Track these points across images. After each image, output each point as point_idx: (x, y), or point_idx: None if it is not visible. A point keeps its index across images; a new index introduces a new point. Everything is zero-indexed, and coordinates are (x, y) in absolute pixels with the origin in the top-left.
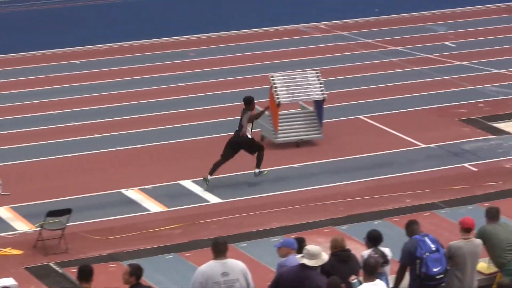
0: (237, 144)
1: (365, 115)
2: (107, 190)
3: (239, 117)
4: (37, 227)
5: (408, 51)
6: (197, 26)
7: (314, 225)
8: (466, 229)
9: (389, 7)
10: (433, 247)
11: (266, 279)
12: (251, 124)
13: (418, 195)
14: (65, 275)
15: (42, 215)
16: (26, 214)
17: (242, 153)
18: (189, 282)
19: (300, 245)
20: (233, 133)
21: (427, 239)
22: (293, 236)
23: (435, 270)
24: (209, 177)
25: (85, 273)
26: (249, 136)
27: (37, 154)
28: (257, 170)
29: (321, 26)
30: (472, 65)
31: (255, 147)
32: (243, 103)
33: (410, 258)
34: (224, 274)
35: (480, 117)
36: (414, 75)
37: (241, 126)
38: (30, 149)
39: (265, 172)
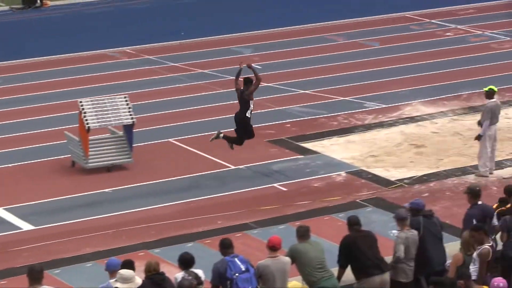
0: (236, 120)
1: (174, 138)
2: None
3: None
4: None
5: (215, 73)
6: (3, 53)
7: (127, 249)
8: (271, 247)
9: (194, 30)
10: (242, 267)
11: None
12: (252, 103)
13: (229, 216)
14: None
15: None
16: None
17: (64, 173)
18: None
19: (129, 267)
20: None
21: (236, 260)
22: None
23: None
24: (221, 135)
25: None
26: (248, 115)
27: None
28: (221, 135)
29: (128, 50)
30: (278, 86)
31: (244, 131)
32: (243, 83)
33: (220, 279)
34: None
35: (287, 138)
36: (221, 97)
37: (243, 107)
38: None
39: (213, 138)
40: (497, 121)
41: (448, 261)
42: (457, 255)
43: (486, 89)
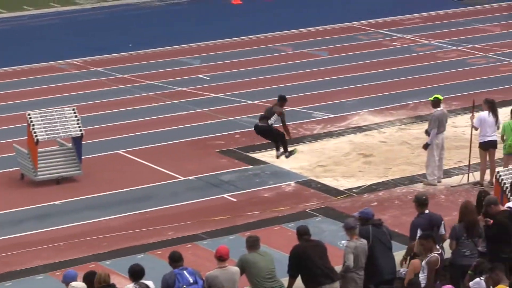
0: (259, 132)
1: (123, 150)
2: None
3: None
4: None
5: (163, 84)
6: None
7: (78, 261)
8: (219, 257)
9: (142, 42)
10: (191, 279)
11: None
12: (276, 117)
13: (180, 227)
14: None
15: None
16: None
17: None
18: None
19: (89, 279)
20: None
21: (185, 272)
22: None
23: None
24: (286, 153)
25: None
26: (270, 123)
27: None
28: (286, 154)
29: (76, 62)
30: (226, 97)
31: (274, 135)
32: (278, 98)
33: None
34: None
35: (236, 148)
36: (170, 108)
37: (265, 117)
38: None
39: (294, 150)
40: (444, 129)
41: (405, 269)
42: (415, 262)
43: (432, 98)
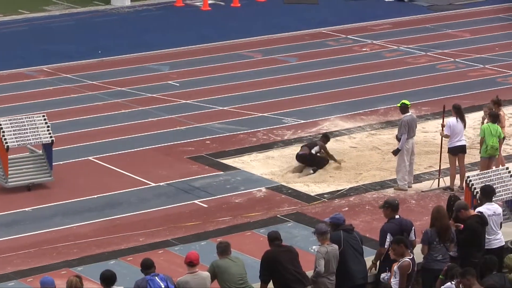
0: (299, 159)
1: (94, 156)
2: None
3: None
4: None
5: (133, 91)
6: None
7: (50, 268)
8: (188, 263)
9: (112, 48)
10: (162, 285)
11: None
12: (318, 148)
13: (151, 233)
14: None
15: None
16: None
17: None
18: None
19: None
20: None
21: (156, 278)
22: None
23: None
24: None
25: None
26: (310, 152)
27: None
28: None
29: (45, 69)
30: (196, 103)
31: (314, 163)
32: (322, 135)
33: None
34: None
35: (207, 154)
36: (140, 115)
37: (307, 146)
38: None
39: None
40: (414, 134)
41: (386, 274)
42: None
43: (399, 104)
